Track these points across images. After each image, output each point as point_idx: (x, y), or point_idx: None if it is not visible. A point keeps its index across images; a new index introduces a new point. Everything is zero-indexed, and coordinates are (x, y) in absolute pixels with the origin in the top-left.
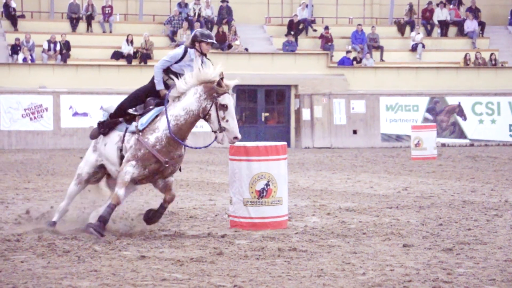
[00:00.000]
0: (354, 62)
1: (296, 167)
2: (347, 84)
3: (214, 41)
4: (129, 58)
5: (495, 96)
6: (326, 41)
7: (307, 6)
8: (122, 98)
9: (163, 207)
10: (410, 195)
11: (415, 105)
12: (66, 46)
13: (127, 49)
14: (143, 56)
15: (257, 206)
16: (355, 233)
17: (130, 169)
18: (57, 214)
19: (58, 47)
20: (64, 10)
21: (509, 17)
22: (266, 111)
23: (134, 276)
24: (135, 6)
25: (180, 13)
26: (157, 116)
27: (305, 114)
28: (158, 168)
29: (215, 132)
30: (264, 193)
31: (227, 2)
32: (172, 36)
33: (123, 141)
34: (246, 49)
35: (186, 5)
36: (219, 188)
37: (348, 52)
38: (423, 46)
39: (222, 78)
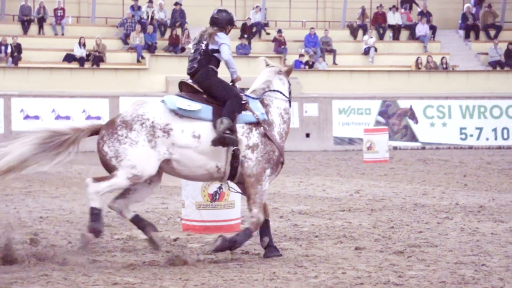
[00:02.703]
0: (307, 66)
1: None
2: (300, 87)
3: None
4: (81, 61)
5: (446, 100)
6: (279, 45)
7: (260, 9)
8: (74, 101)
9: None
10: (362, 198)
11: (367, 109)
12: (18, 48)
13: (79, 52)
14: (96, 59)
15: (209, 210)
16: (308, 236)
17: (267, 184)
18: (95, 200)
19: (9, 50)
20: (16, 13)
21: (459, 21)
22: None
23: (86, 280)
24: (88, 8)
25: (133, 15)
26: None
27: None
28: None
29: None
30: (217, 197)
31: (180, 5)
32: (125, 39)
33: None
34: None
35: (139, 7)
36: (172, 191)
37: (301, 55)
38: (376, 50)
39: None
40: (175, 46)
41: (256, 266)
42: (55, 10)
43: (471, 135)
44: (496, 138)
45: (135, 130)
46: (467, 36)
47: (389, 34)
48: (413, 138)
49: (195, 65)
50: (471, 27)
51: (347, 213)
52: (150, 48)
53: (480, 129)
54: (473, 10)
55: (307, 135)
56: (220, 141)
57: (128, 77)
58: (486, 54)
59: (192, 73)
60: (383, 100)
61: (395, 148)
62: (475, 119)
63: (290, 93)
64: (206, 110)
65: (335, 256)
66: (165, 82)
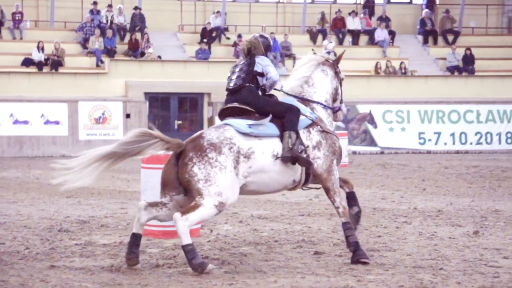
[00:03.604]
0: None
1: None
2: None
3: None
4: (40, 65)
5: (405, 104)
6: None
7: (220, 14)
8: (32, 105)
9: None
10: (321, 202)
11: None
12: None
13: (37, 56)
14: (54, 63)
15: None
16: (267, 240)
17: (337, 172)
18: (185, 235)
19: None
20: None
21: (418, 26)
22: (179, 119)
23: (44, 286)
24: (46, 12)
25: (92, 20)
26: None
27: (218, 122)
28: None
29: (335, 112)
30: None
31: (140, 9)
32: (84, 43)
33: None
34: (159, 57)
35: (98, 12)
36: (131, 196)
37: None
38: (335, 55)
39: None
40: (134, 51)
41: (215, 271)
42: (13, 14)
43: (430, 140)
44: (454, 143)
45: (224, 154)
46: (425, 41)
47: (348, 39)
48: (372, 142)
49: (239, 81)
50: (429, 32)
51: (307, 217)
52: (110, 52)
53: (439, 133)
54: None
55: None
56: (294, 160)
57: (87, 82)
58: (445, 59)
59: (233, 90)
60: None
61: (354, 152)
62: (434, 124)
63: (341, 81)
64: (271, 125)
65: (294, 260)
66: (124, 87)
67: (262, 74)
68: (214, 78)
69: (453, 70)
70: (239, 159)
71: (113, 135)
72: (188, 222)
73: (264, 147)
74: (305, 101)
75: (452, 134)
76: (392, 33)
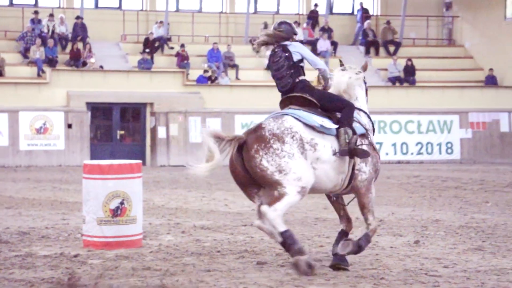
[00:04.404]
0: (210, 81)
1: (151, 185)
2: (203, 102)
3: None
4: None
5: None
6: (182, 59)
7: (163, 23)
8: None
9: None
10: None
11: None
12: None
13: None
14: None
15: (111, 225)
16: (210, 251)
17: (374, 191)
18: (280, 224)
19: None
20: None
21: (360, 37)
22: (122, 129)
23: None
24: None
25: (33, 29)
26: None
27: (161, 132)
28: None
29: None
30: (119, 212)
31: (82, 19)
32: (25, 52)
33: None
34: (101, 67)
35: (39, 21)
36: (73, 207)
37: (205, 71)
38: None
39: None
40: (76, 60)
41: (157, 282)
42: None
43: None
44: (395, 153)
45: (288, 143)
46: (367, 52)
47: None
48: None
49: (289, 80)
50: (371, 43)
51: (249, 228)
52: (51, 62)
53: (380, 144)
54: (358, 26)
55: None
56: (352, 153)
57: (28, 92)
58: (386, 70)
59: (288, 90)
60: None
61: None
62: (375, 134)
63: (366, 90)
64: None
65: (237, 270)
66: (66, 97)
67: (301, 60)
68: (157, 88)
69: (394, 80)
70: (304, 146)
71: (54, 145)
72: (278, 211)
73: (326, 142)
74: (358, 110)
75: (394, 144)
76: (334, 44)
